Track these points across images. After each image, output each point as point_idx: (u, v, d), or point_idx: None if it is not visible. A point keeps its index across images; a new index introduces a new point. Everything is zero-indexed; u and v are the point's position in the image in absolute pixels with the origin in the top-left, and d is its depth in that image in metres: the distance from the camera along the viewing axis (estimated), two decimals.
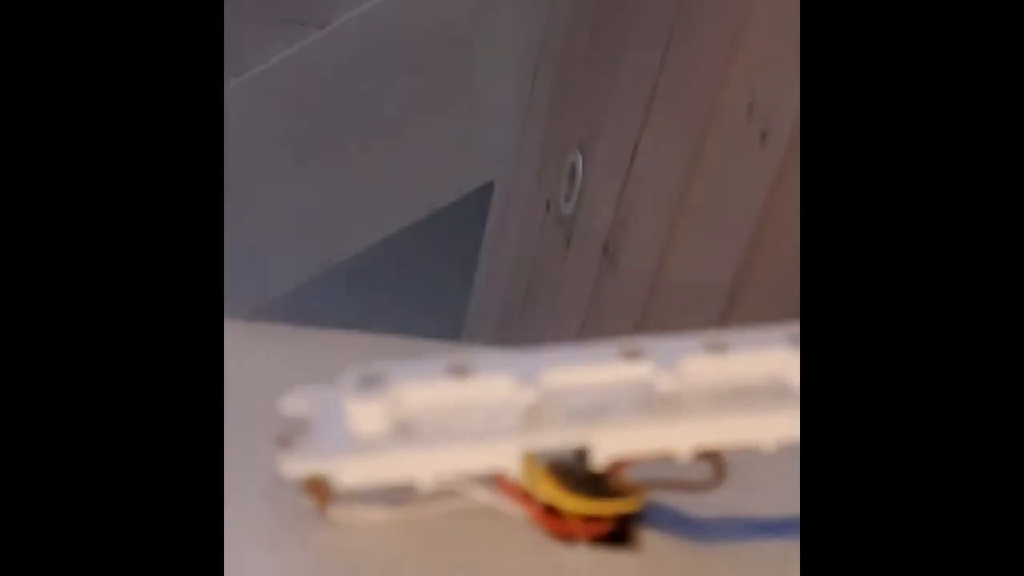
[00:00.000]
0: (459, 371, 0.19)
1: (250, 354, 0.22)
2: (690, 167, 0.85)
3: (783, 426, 0.20)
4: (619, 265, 0.84)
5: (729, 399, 0.20)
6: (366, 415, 0.19)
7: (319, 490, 0.20)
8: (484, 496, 0.21)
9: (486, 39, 1.27)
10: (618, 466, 0.21)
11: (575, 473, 0.21)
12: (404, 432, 0.19)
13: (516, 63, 1.25)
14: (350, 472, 0.19)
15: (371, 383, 0.19)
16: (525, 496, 0.21)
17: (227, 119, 1.24)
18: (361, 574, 0.20)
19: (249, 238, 1.01)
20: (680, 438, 0.19)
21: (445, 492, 0.21)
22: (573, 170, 1.07)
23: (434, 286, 1.28)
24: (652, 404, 0.20)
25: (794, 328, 0.20)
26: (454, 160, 1.36)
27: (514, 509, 0.21)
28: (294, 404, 0.20)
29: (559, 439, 0.19)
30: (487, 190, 1.39)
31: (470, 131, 1.32)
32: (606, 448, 0.19)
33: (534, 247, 1.05)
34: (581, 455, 0.21)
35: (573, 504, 0.21)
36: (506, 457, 0.19)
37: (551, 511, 0.21)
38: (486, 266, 1.20)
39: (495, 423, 0.19)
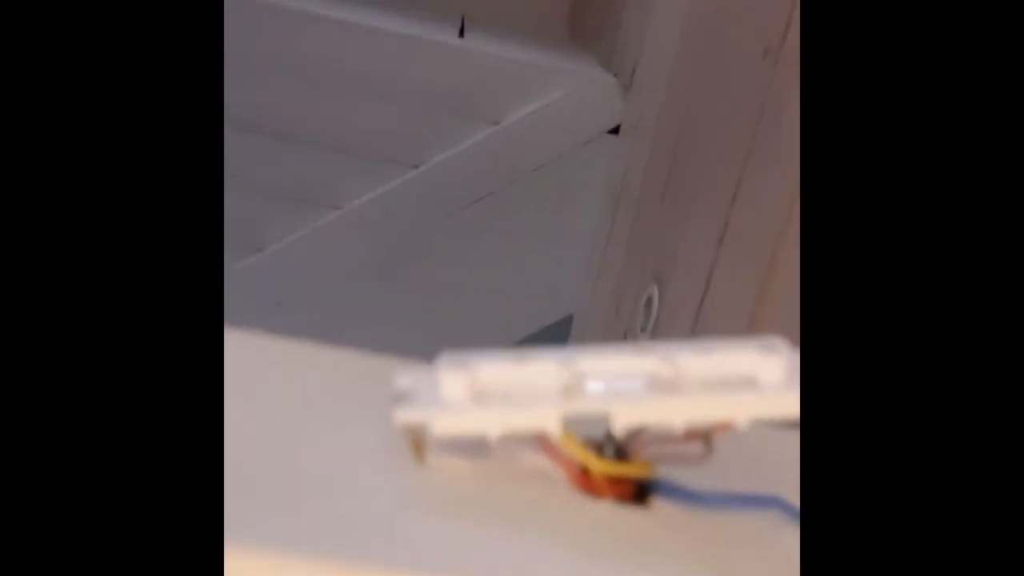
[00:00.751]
0: (519, 359, 0.28)
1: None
2: (759, 297, 0.92)
3: (752, 408, 0.28)
4: None
5: (712, 386, 0.28)
6: (451, 385, 0.28)
7: (416, 439, 0.28)
8: (534, 459, 0.29)
9: (569, 179, 1.37)
10: (636, 445, 0.29)
11: (603, 447, 0.29)
12: (477, 399, 0.28)
13: (596, 201, 1.33)
14: (438, 424, 0.28)
15: (456, 364, 0.28)
16: (565, 459, 0.29)
17: (327, 249, 1.36)
18: (437, 502, 0.28)
19: None
20: (676, 412, 0.28)
21: (507, 454, 0.29)
22: (649, 302, 1.15)
23: None
24: (656, 387, 0.28)
25: (766, 339, 0.28)
26: (535, 293, 1.45)
27: (556, 471, 0.29)
28: (403, 378, 0.28)
29: (587, 408, 0.28)
30: (567, 322, 1.47)
31: (551, 266, 1.41)
32: (622, 417, 0.28)
33: None
34: (609, 436, 0.29)
35: (601, 467, 0.29)
36: (549, 420, 0.28)
37: (584, 473, 0.29)
38: None
39: (542, 395, 0.28)
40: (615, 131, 1.30)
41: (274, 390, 0.31)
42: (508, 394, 0.28)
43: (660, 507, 0.30)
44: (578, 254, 1.34)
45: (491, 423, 0.28)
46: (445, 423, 0.27)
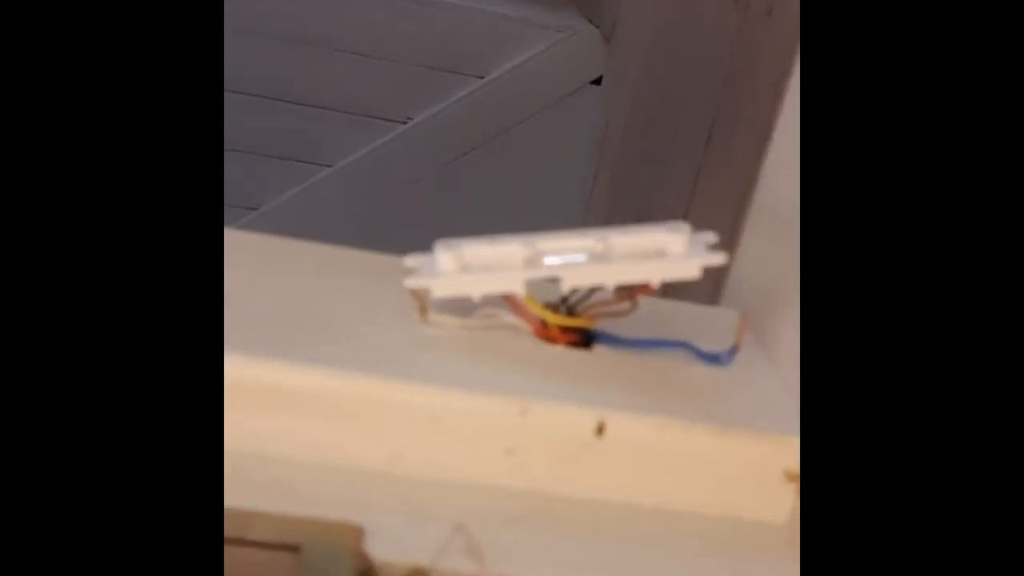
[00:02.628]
0: (493, 241, 0.41)
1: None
2: (730, 240, 1.04)
3: (663, 272, 0.41)
4: None
5: (634, 257, 0.41)
6: (446, 260, 0.40)
7: (420, 301, 0.41)
8: (507, 317, 0.42)
9: (554, 130, 1.47)
10: (583, 306, 0.42)
11: (558, 307, 0.42)
12: (464, 270, 0.41)
13: (581, 151, 1.43)
14: (437, 288, 0.40)
15: (448, 246, 0.41)
16: (529, 315, 0.42)
17: (317, 206, 1.46)
18: (436, 345, 0.41)
19: None
20: (608, 276, 0.40)
21: (486, 313, 0.42)
22: None
23: None
24: (594, 259, 0.41)
25: (673, 223, 0.41)
26: None
27: (522, 325, 0.42)
28: (410, 259, 0.41)
29: (544, 274, 0.40)
30: None
31: (538, 215, 1.51)
32: (569, 280, 0.41)
33: None
34: (562, 299, 0.42)
35: (556, 320, 0.42)
36: (515, 283, 0.40)
37: (543, 325, 0.42)
38: None
39: (510, 266, 0.41)
40: (597, 82, 1.40)
41: (307, 273, 0.44)
42: (486, 265, 0.41)
43: (601, 350, 0.43)
44: (564, 203, 1.45)
45: (474, 286, 0.40)
46: (441, 287, 0.40)
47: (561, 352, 0.42)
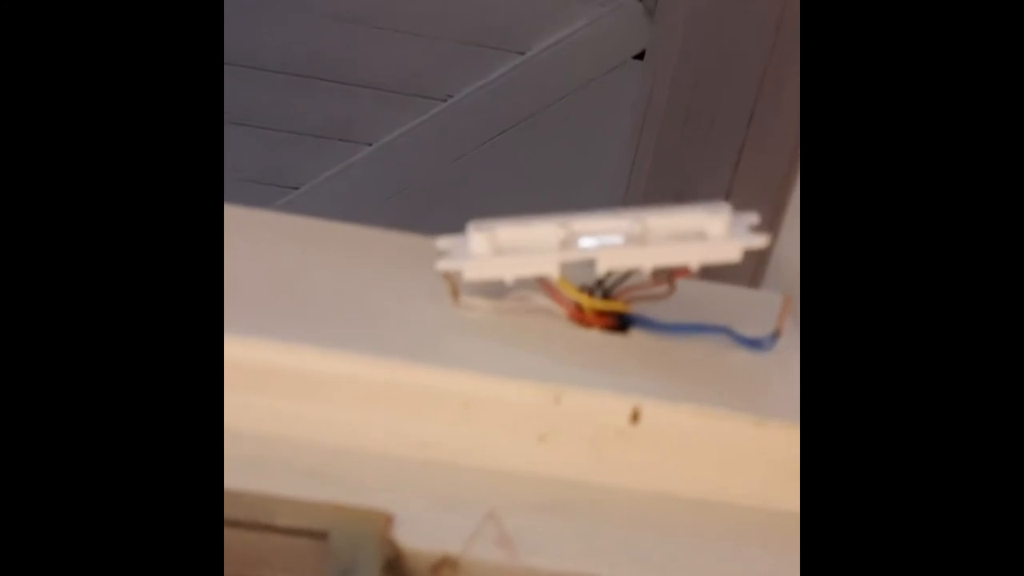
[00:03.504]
0: (527, 223, 0.40)
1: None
2: (772, 220, 1.03)
3: (702, 254, 0.39)
4: None
5: (672, 239, 0.39)
6: (478, 243, 0.39)
7: (453, 284, 0.41)
8: (540, 299, 0.41)
9: (596, 106, 1.45)
10: (618, 289, 0.41)
11: (592, 290, 0.41)
12: (497, 252, 0.40)
13: (623, 127, 1.42)
14: (468, 271, 0.39)
15: (481, 228, 0.40)
16: (563, 298, 0.41)
17: (357, 185, 1.46)
18: (469, 332, 0.40)
19: None
20: (644, 258, 0.39)
21: (519, 296, 0.41)
22: None
23: None
24: (631, 241, 0.39)
25: (713, 203, 0.40)
26: None
27: (556, 308, 0.41)
28: (443, 241, 0.40)
29: (579, 256, 0.39)
30: None
31: (579, 192, 1.50)
32: (605, 262, 0.39)
33: None
34: (597, 282, 0.41)
35: (591, 303, 0.41)
36: (550, 266, 0.39)
37: (578, 308, 0.41)
38: None
39: (545, 249, 0.39)
40: (640, 56, 1.39)
41: (340, 255, 0.43)
42: (520, 248, 0.40)
43: (636, 334, 0.42)
44: (605, 179, 1.43)
45: (507, 270, 0.39)
46: (473, 270, 0.39)
47: (596, 336, 0.41)
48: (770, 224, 1.04)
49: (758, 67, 1.08)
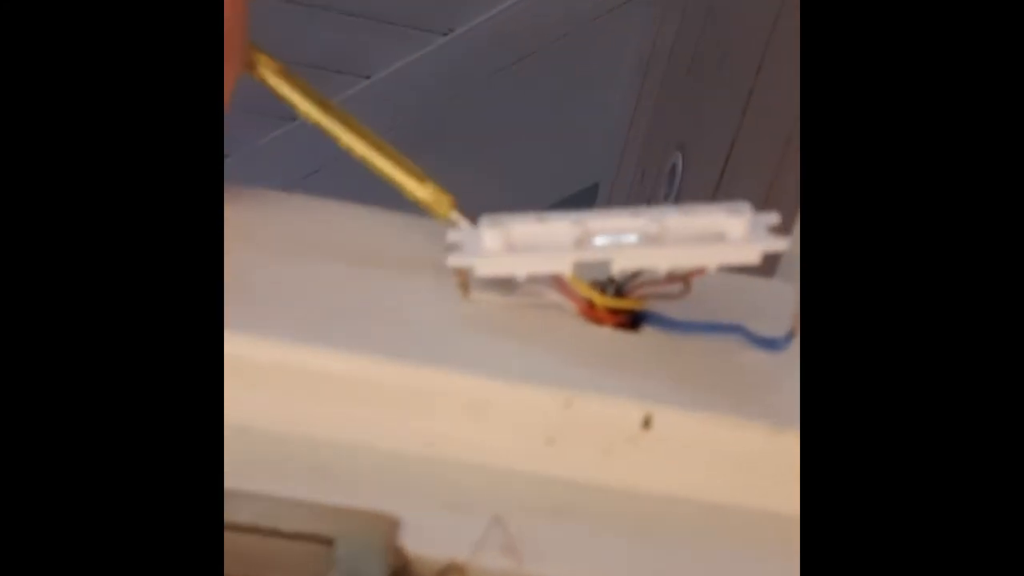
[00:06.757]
0: (541, 219, 0.39)
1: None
2: (779, 165, 1.01)
3: (720, 256, 0.38)
4: None
5: (690, 240, 0.38)
6: (490, 238, 0.38)
7: (463, 280, 0.40)
8: (552, 295, 0.40)
9: (599, 46, 1.43)
10: (631, 286, 0.40)
11: (605, 287, 0.40)
12: (509, 249, 0.38)
13: (625, 69, 1.40)
14: (480, 267, 0.38)
15: (493, 222, 0.39)
16: (576, 295, 0.40)
17: (357, 118, 1.44)
18: (478, 325, 0.39)
19: None
20: (661, 259, 0.38)
21: (531, 292, 0.40)
22: (673, 170, 1.24)
23: None
24: (647, 241, 0.38)
25: (734, 204, 0.39)
26: (563, 161, 1.53)
27: (568, 304, 0.40)
28: (453, 234, 0.39)
29: (593, 256, 0.38)
30: (592, 191, 1.55)
31: (579, 134, 1.48)
32: (620, 263, 0.38)
33: None
34: (610, 279, 0.40)
35: (603, 301, 0.40)
36: (564, 264, 0.38)
37: (590, 305, 0.40)
38: None
39: (559, 246, 0.38)
40: None
41: (344, 244, 0.42)
42: (533, 245, 0.39)
43: (649, 333, 0.41)
44: (606, 122, 1.42)
45: (519, 267, 0.38)
46: (485, 267, 0.38)
47: (607, 334, 0.40)
48: (774, 183, 1.02)
49: (771, 11, 1.06)
